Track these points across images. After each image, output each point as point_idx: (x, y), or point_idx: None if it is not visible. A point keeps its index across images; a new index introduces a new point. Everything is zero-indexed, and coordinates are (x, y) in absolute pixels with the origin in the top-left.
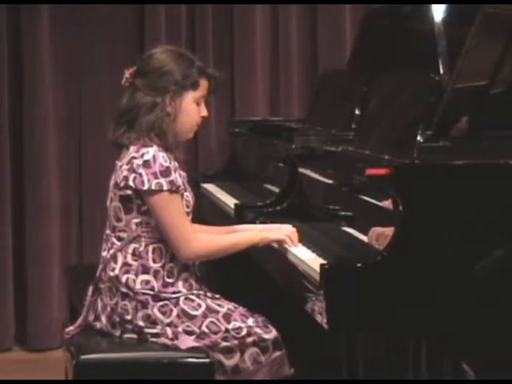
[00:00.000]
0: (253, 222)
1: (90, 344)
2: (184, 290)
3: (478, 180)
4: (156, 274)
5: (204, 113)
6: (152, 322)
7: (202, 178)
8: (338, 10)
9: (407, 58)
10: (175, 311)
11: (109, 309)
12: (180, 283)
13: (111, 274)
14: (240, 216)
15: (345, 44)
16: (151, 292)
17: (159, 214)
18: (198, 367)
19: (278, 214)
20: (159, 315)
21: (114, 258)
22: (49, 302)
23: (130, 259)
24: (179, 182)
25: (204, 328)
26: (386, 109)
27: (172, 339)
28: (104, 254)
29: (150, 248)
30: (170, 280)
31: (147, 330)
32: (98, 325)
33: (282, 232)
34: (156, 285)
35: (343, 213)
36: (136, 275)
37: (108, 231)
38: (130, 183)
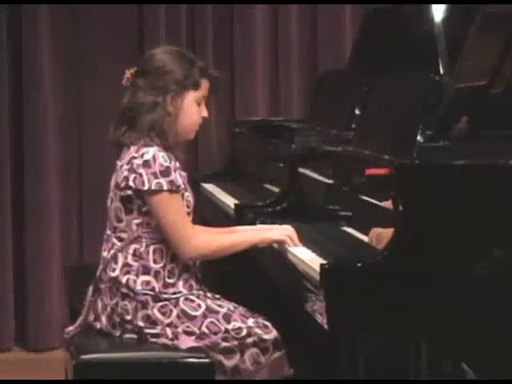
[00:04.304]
0: (253, 222)
1: (90, 344)
2: (184, 291)
3: (478, 180)
4: (157, 274)
5: (205, 113)
6: (152, 322)
7: (202, 177)
8: (338, 9)
9: (407, 58)
10: (175, 312)
11: (109, 309)
12: (180, 283)
13: (111, 274)
14: (240, 216)
15: (345, 44)
16: (151, 292)
17: (160, 214)
18: (197, 367)
19: (278, 213)
20: (159, 316)
21: (114, 258)
22: (49, 302)
23: (130, 260)
24: (179, 181)
25: (204, 328)
26: (386, 109)
27: (172, 339)
28: (104, 254)
29: (151, 249)
30: (171, 280)
31: (147, 331)
32: (98, 325)
33: (283, 232)
34: (156, 285)
35: (343, 213)
36: (136, 276)
37: (108, 231)
38: (131, 183)
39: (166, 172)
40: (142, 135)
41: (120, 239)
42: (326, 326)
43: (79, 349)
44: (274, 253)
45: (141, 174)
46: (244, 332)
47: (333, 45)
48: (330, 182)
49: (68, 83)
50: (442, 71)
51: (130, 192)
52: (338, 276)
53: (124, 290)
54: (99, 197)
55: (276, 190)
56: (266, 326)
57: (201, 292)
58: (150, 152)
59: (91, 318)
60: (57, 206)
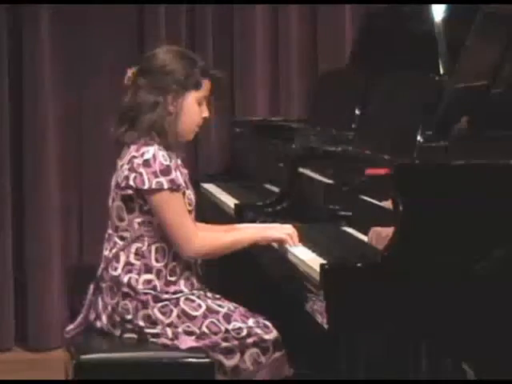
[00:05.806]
0: (253, 221)
1: (90, 344)
2: (185, 290)
3: (477, 180)
4: (158, 273)
5: (205, 113)
6: (152, 322)
7: (202, 177)
8: (338, 10)
9: (407, 58)
10: (175, 311)
11: (109, 308)
12: (182, 282)
13: (113, 273)
14: (240, 216)
15: (345, 44)
16: (153, 291)
17: (161, 213)
18: (198, 367)
19: (278, 213)
20: (159, 315)
21: (116, 257)
22: (49, 302)
23: (132, 259)
24: (180, 180)
25: (204, 328)
26: (386, 109)
27: (172, 339)
28: (106, 253)
29: (153, 247)
30: (173, 279)
31: (147, 330)
32: (98, 324)
33: (283, 231)
34: (158, 284)
35: (343, 213)
36: (139, 274)
37: (110, 231)
38: (131, 183)
39: (166, 171)
40: (143, 134)
41: (122, 238)
42: (325, 326)
43: (79, 349)
44: (274, 253)
45: (141, 174)
46: (244, 332)
47: (333, 45)
48: (330, 181)
49: (68, 83)
50: (441, 71)
51: (130, 191)
52: (338, 276)
53: (125, 290)
54: (99, 197)
55: (276, 189)
56: (266, 326)
57: (201, 292)
58: (151, 151)
59: (92, 316)
60: (57, 206)
